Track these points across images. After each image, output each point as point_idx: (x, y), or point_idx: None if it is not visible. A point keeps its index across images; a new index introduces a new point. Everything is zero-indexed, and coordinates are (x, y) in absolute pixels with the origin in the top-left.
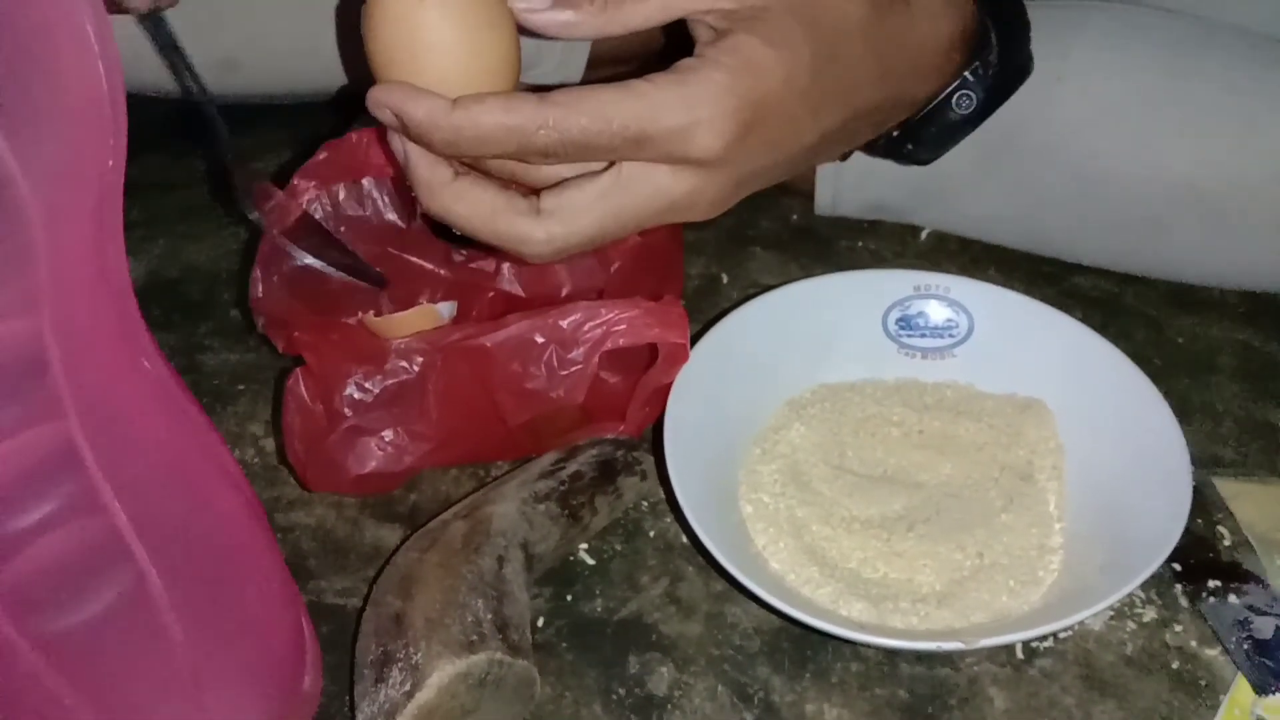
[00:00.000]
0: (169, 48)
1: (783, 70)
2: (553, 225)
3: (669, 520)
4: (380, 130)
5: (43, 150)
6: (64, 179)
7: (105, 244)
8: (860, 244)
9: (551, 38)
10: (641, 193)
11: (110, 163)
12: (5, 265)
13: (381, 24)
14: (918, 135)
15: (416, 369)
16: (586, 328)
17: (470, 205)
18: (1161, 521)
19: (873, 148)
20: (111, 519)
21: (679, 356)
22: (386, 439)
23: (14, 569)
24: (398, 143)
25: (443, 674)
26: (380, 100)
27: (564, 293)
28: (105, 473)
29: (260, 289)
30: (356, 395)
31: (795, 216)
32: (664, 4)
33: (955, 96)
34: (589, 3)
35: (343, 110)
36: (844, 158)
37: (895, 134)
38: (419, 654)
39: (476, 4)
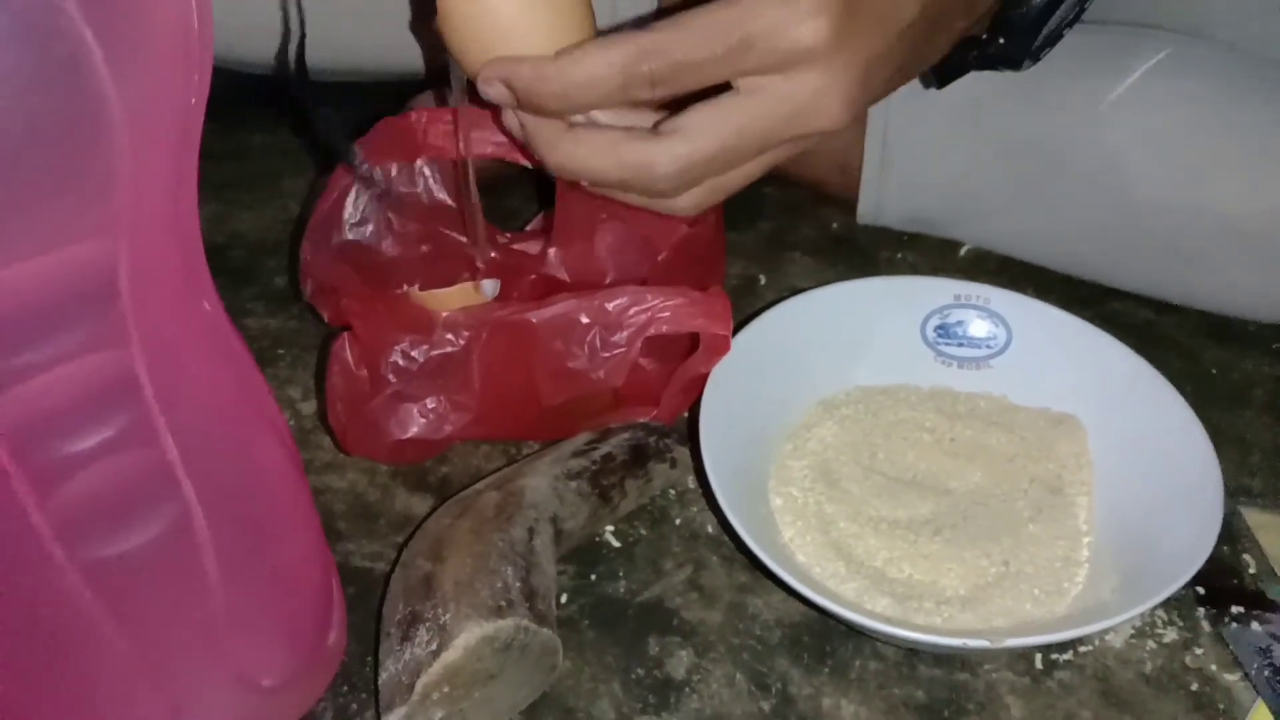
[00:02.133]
0: None
1: None
2: (676, 144)
3: (696, 509)
4: (471, 110)
5: (134, 78)
6: (150, 110)
7: (181, 181)
8: (900, 256)
9: None
10: (763, 102)
11: (193, 100)
12: (94, 186)
13: (458, 11)
14: (1006, 27)
15: (462, 342)
16: (632, 312)
17: (590, 145)
18: (1189, 542)
19: (968, 63)
20: (163, 453)
21: (720, 347)
22: (429, 406)
23: (67, 492)
24: (512, 117)
25: (470, 635)
26: (487, 75)
27: (608, 280)
28: (161, 407)
29: (310, 254)
30: (401, 363)
31: (836, 225)
32: None
33: None
34: None
35: (399, 93)
36: (942, 80)
37: (985, 38)
38: (447, 615)
39: None
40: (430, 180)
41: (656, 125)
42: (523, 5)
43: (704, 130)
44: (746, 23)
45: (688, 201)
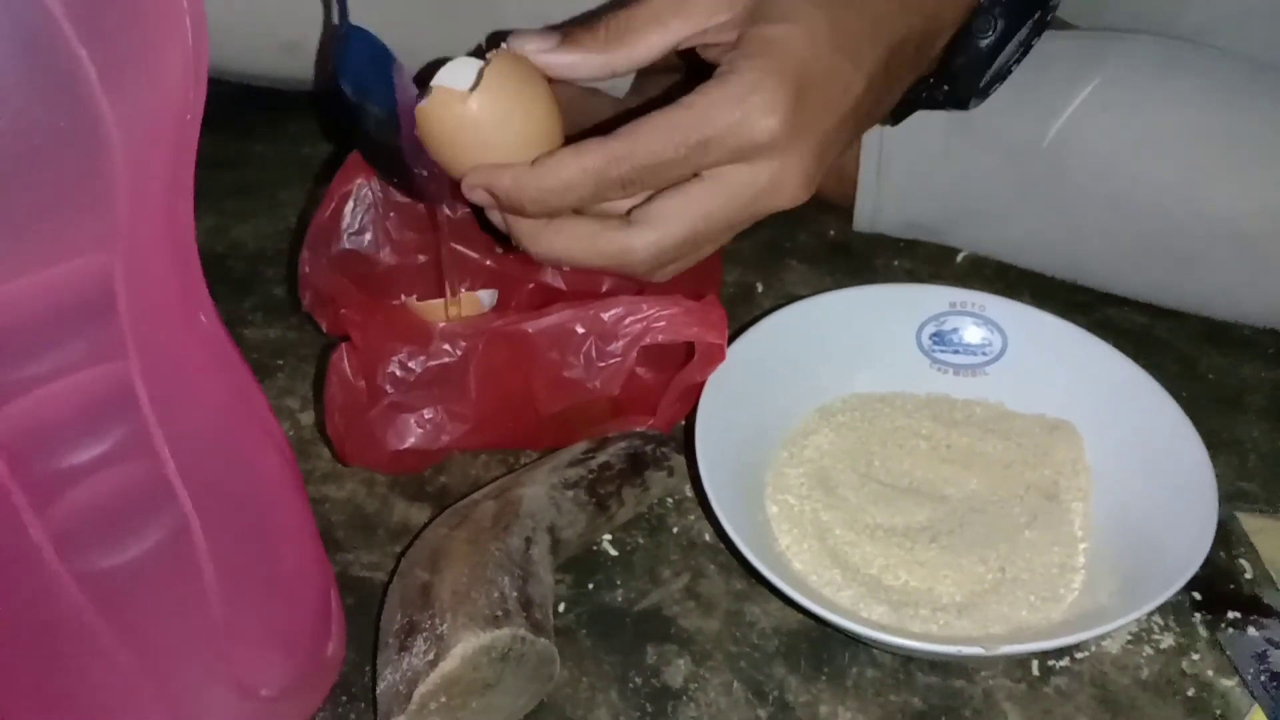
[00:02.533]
0: None
1: (805, 34)
2: (646, 232)
3: (693, 518)
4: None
5: (129, 95)
6: (146, 126)
7: (176, 195)
8: (896, 263)
9: (562, 79)
10: (726, 188)
11: (189, 116)
12: (90, 200)
13: (438, 126)
14: (951, 72)
15: (460, 352)
16: (627, 321)
17: (570, 236)
18: (1185, 547)
19: (918, 101)
20: (161, 465)
21: (715, 356)
22: (426, 416)
23: (65, 504)
24: (497, 217)
25: (467, 645)
26: (470, 183)
27: (605, 289)
28: (158, 418)
29: (308, 264)
30: (399, 373)
31: (833, 232)
32: (663, 32)
33: (976, 21)
34: (591, 39)
35: None
36: (895, 119)
37: (933, 81)
38: (444, 625)
39: (510, 80)
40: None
41: (630, 212)
42: (499, 118)
43: (673, 218)
44: (704, 127)
45: (663, 276)
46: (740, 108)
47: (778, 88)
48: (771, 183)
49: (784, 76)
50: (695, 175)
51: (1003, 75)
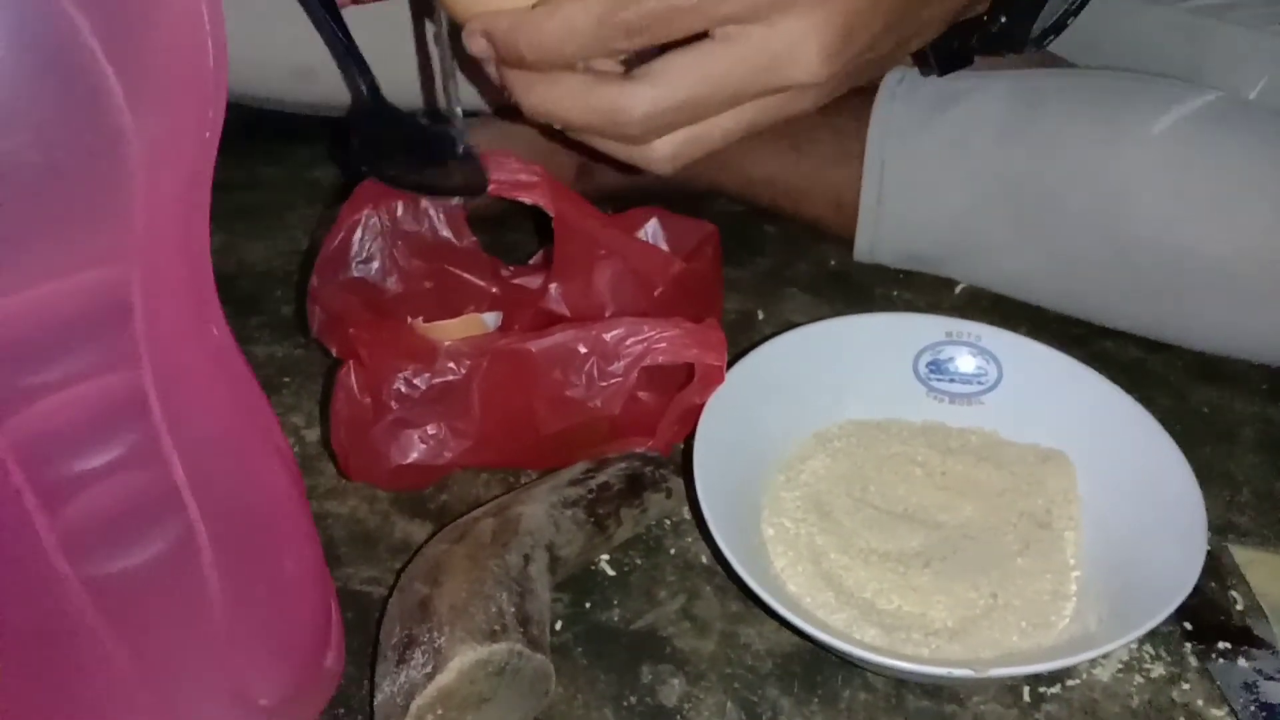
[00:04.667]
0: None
1: None
2: (646, 88)
3: (690, 540)
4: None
5: (151, 112)
6: (166, 143)
7: (193, 210)
8: (895, 293)
9: None
10: (739, 49)
11: (207, 134)
12: (110, 212)
13: None
14: (1009, 2)
15: (464, 370)
16: (629, 342)
17: (563, 88)
18: (1175, 576)
19: (972, 39)
20: (170, 473)
21: (715, 378)
22: (430, 432)
23: (75, 508)
24: (493, 70)
25: (464, 659)
26: (470, 29)
27: (607, 314)
28: (169, 427)
29: (318, 288)
30: (404, 390)
31: (833, 262)
32: None
33: None
34: None
35: None
36: (943, 66)
37: (987, 16)
38: (442, 638)
39: None
40: (434, 219)
41: (630, 71)
42: None
43: (676, 75)
44: None
45: (663, 151)
46: None
47: None
48: (791, 47)
49: None
50: (708, 35)
51: (1059, 28)
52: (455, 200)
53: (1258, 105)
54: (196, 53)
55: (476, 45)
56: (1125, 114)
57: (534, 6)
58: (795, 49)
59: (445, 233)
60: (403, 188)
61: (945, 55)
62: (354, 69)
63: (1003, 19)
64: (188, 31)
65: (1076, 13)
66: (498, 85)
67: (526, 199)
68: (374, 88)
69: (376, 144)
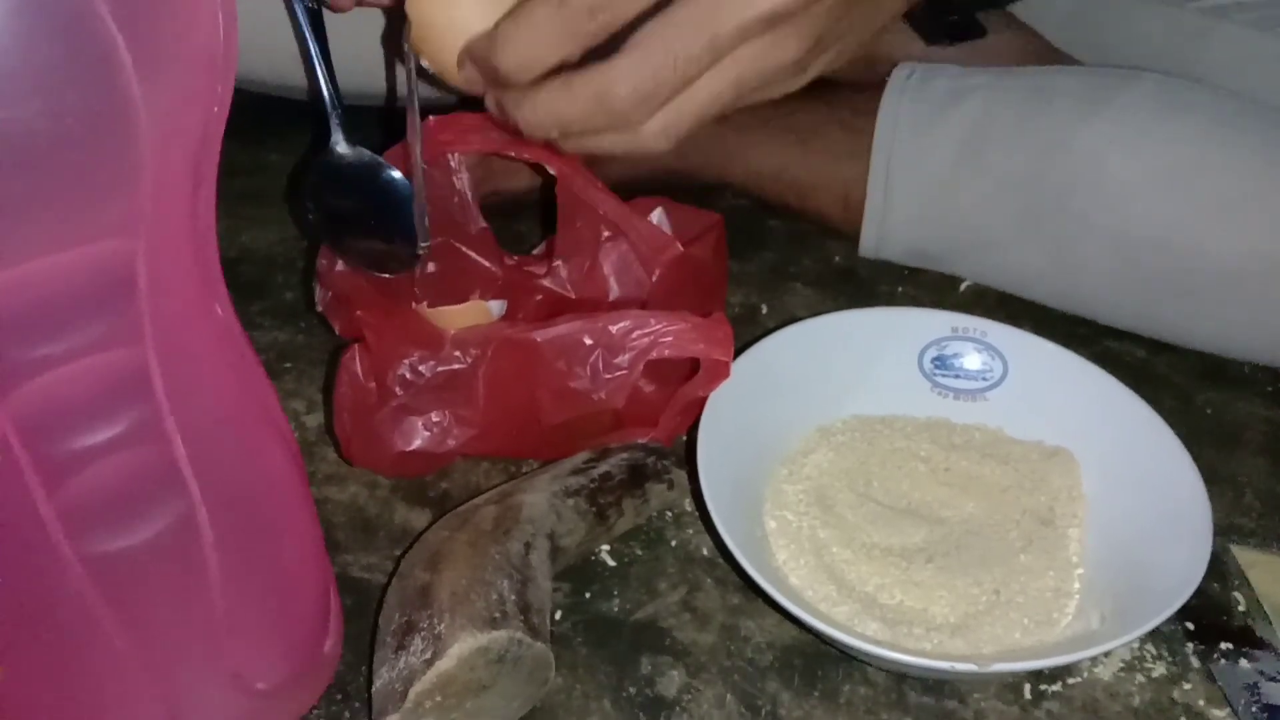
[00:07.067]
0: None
1: None
2: (623, 60)
3: (691, 532)
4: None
5: (160, 83)
6: (175, 115)
7: (200, 186)
8: (900, 289)
9: None
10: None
11: (215, 110)
12: (118, 184)
13: (430, 27)
14: None
15: (470, 359)
16: (634, 335)
17: (550, 90)
18: (1178, 575)
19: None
20: (171, 451)
21: (720, 372)
22: (433, 419)
23: (76, 484)
24: (490, 99)
25: (464, 645)
26: (460, 62)
27: (611, 298)
28: (171, 405)
29: (326, 265)
30: (409, 376)
31: (838, 258)
32: None
33: None
34: None
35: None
36: (931, 35)
37: None
38: (442, 625)
39: None
40: (448, 202)
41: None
42: (486, 11)
43: (647, 39)
44: None
45: (656, 127)
46: None
47: None
48: None
49: None
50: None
51: None
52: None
53: (1264, 106)
54: (206, 24)
55: (466, 75)
56: (1133, 113)
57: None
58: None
59: (457, 216)
60: (352, 260)
61: (946, 25)
62: (326, 99)
63: None
64: (196, 6)
65: None
66: (493, 111)
67: (529, 156)
68: (340, 123)
69: (331, 204)
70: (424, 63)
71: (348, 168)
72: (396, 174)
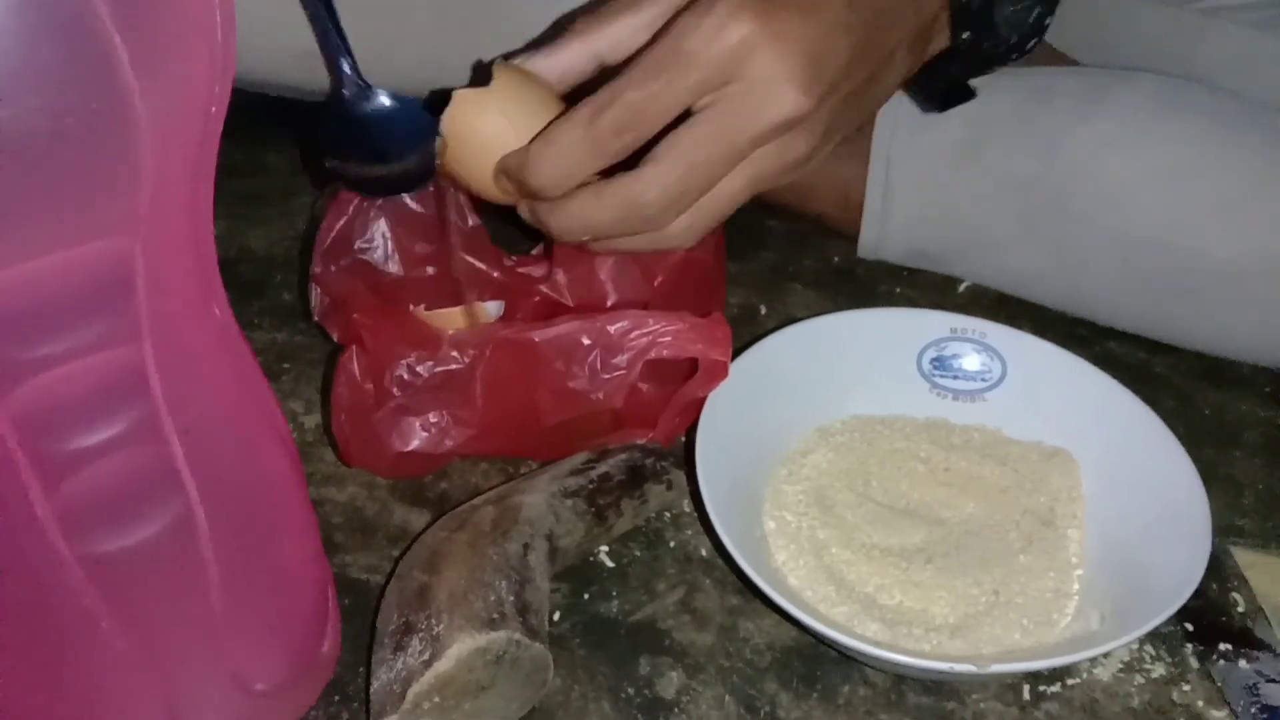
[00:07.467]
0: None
1: None
2: (650, 169)
3: (690, 533)
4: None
5: (158, 82)
6: (173, 114)
7: (198, 185)
8: (899, 290)
9: (554, 78)
10: (721, 108)
11: (214, 108)
12: (115, 183)
13: (464, 153)
14: (964, 14)
15: (467, 359)
16: (632, 335)
17: (581, 199)
18: (1177, 575)
19: (952, 67)
20: (169, 451)
21: (718, 373)
22: (431, 420)
23: (73, 484)
24: (524, 208)
25: (462, 646)
26: (495, 176)
27: (609, 303)
28: (169, 406)
29: (321, 271)
30: (406, 377)
31: (837, 258)
32: (636, 10)
33: None
34: (569, 33)
35: None
36: (929, 97)
37: (952, 39)
38: (440, 626)
39: (518, 84)
40: (442, 202)
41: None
42: (518, 128)
43: (673, 149)
44: (678, 43)
45: (681, 227)
46: (708, 15)
47: None
48: (763, 88)
49: None
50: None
51: (1038, 30)
52: (407, 195)
53: (1264, 106)
54: (206, 24)
55: (502, 189)
56: (1133, 113)
57: (532, 140)
58: (769, 88)
59: (451, 215)
60: (361, 187)
61: (938, 91)
62: (333, 47)
63: (965, 35)
64: (197, 2)
65: (1051, 11)
66: (527, 220)
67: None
68: (353, 67)
69: (342, 134)
70: (458, 175)
71: (358, 108)
72: (395, 99)
